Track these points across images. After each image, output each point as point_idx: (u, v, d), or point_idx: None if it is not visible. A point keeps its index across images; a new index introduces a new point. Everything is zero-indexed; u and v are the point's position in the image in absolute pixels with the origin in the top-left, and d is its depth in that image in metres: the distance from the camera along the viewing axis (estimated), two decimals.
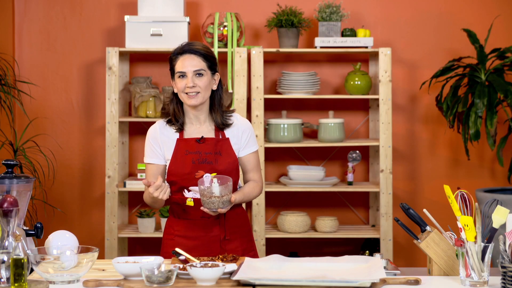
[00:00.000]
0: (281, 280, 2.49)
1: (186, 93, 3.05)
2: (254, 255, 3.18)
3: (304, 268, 2.70)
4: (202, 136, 3.10)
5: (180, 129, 3.11)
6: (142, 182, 3.02)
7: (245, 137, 3.15)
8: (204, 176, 3.03)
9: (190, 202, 3.08)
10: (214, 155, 3.08)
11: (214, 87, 3.11)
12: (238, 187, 3.17)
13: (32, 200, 4.77)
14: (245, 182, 3.23)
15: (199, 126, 3.12)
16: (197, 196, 3.07)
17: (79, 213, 5.10)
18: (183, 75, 3.05)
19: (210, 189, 2.94)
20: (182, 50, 3.07)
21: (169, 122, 3.13)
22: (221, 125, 3.12)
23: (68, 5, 5.08)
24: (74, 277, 2.59)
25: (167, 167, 3.11)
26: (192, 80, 3.03)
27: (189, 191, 3.07)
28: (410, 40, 5.12)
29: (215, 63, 3.11)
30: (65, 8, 5.08)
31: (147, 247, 5.08)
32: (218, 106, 3.13)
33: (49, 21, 5.08)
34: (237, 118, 3.17)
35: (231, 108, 4.68)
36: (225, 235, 3.10)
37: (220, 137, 3.12)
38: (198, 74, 3.04)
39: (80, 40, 5.09)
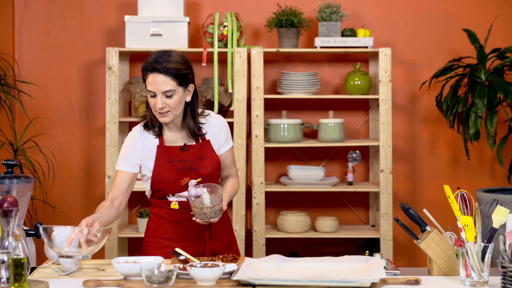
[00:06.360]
0: (281, 280, 2.49)
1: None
2: (236, 250, 3.20)
3: (304, 268, 2.70)
4: (185, 144, 3.06)
5: (159, 135, 3.05)
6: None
7: (223, 135, 3.13)
8: (189, 182, 3.03)
9: (175, 205, 3.07)
10: (199, 160, 3.05)
11: (188, 99, 3.01)
12: None
13: (32, 200, 4.77)
14: (222, 178, 3.21)
15: (178, 132, 3.07)
16: (182, 199, 3.06)
17: (79, 213, 5.10)
18: (153, 94, 2.95)
19: (200, 200, 2.90)
20: (152, 68, 2.93)
21: (146, 126, 3.07)
22: (193, 135, 3.06)
23: (68, 5, 5.08)
24: (88, 252, 2.65)
25: (149, 177, 3.06)
26: (161, 100, 2.93)
27: (173, 195, 3.07)
28: (410, 40, 5.12)
29: (187, 78, 2.97)
30: (65, 8, 5.08)
31: None
32: (190, 116, 3.04)
33: (49, 21, 5.08)
34: (213, 118, 3.12)
35: (231, 108, 4.72)
36: (210, 235, 3.10)
37: (201, 141, 3.08)
38: (168, 95, 2.93)
39: (80, 40, 5.09)
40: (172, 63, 2.94)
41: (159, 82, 2.92)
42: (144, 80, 2.97)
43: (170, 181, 3.03)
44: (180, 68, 2.95)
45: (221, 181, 3.22)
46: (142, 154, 3.05)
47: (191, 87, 3.01)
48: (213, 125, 3.12)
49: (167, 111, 2.96)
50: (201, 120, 3.10)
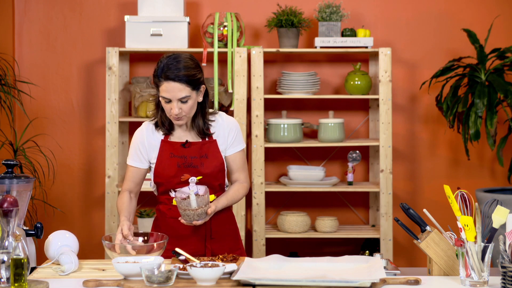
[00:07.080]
0: (281, 280, 2.49)
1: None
2: (241, 253, 3.19)
3: (304, 268, 2.70)
4: (187, 140, 3.08)
5: (167, 134, 3.10)
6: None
7: (231, 137, 3.14)
8: (189, 179, 3.03)
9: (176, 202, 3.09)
10: (200, 158, 3.07)
11: (200, 99, 3.06)
12: (225, 186, 3.18)
13: (32, 200, 4.77)
14: (231, 182, 3.22)
15: (187, 130, 3.11)
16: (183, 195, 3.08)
17: (79, 213, 5.10)
18: (167, 100, 2.98)
19: (185, 201, 2.93)
20: (166, 76, 2.95)
21: (156, 125, 3.11)
22: (202, 134, 3.09)
23: (68, 5, 5.08)
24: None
25: (152, 169, 3.11)
26: (177, 106, 2.97)
27: (175, 191, 3.08)
28: (410, 40, 5.12)
29: (199, 81, 3.01)
30: (65, 8, 5.08)
31: None
32: (200, 115, 3.09)
33: (49, 21, 5.08)
34: (222, 118, 3.14)
35: (231, 108, 4.72)
36: (211, 235, 3.11)
37: (207, 139, 3.10)
38: (183, 101, 2.97)
39: (80, 40, 5.09)
40: (184, 70, 2.97)
41: (174, 89, 2.96)
42: (157, 86, 3.00)
43: (171, 175, 3.06)
44: (193, 73, 2.99)
45: (230, 185, 3.22)
46: (149, 149, 3.11)
47: (202, 88, 3.06)
48: (222, 125, 3.13)
49: (183, 115, 3.01)
50: (211, 118, 3.13)
